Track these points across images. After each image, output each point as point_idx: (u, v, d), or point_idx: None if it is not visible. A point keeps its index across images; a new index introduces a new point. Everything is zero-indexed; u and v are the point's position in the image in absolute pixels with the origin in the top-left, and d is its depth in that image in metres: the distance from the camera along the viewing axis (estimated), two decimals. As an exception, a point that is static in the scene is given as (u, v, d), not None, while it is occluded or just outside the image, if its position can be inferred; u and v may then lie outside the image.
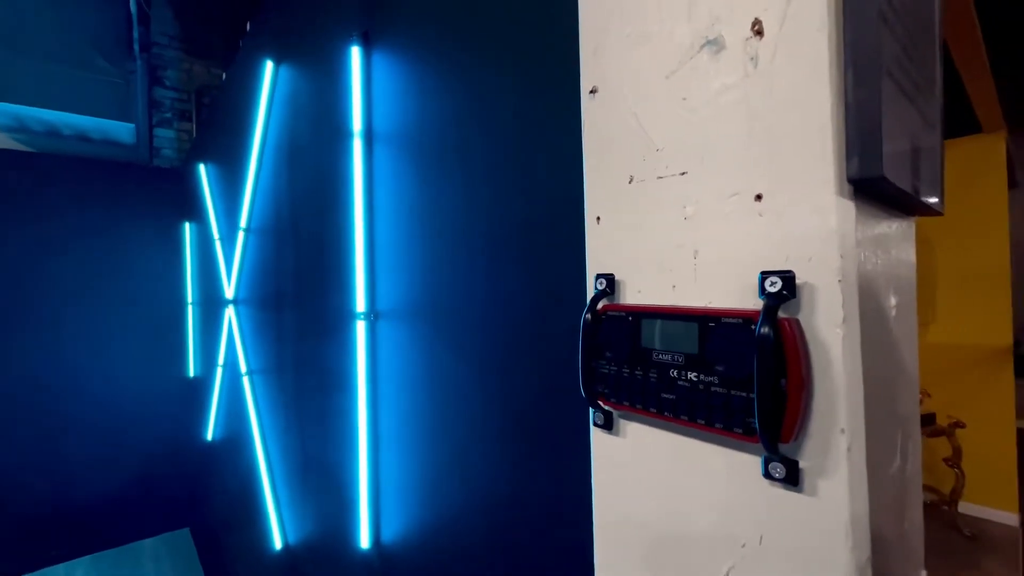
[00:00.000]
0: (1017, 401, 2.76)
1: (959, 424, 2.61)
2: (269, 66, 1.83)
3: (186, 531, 4.11)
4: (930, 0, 0.41)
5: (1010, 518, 2.69)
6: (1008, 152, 2.76)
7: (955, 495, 2.62)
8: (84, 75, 4.14)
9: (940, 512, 2.68)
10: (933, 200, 0.39)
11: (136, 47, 4.30)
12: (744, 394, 0.31)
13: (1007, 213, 2.76)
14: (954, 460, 2.59)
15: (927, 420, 2.62)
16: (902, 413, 0.37)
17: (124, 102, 4.30)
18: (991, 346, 2.81)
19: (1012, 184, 2.88)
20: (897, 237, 0.37)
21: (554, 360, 0.66)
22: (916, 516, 0.41)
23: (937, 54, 0.42)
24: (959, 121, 2.65)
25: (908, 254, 0.40)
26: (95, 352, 3.79)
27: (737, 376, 0.31)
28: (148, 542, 3.97)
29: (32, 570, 3.47)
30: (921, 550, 0.43)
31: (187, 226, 3.61)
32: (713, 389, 0.33)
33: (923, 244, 2.95)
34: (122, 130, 4.26)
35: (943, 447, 2.65)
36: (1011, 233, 2.76)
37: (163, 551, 3.90)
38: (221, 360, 2.71)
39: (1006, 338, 2.77)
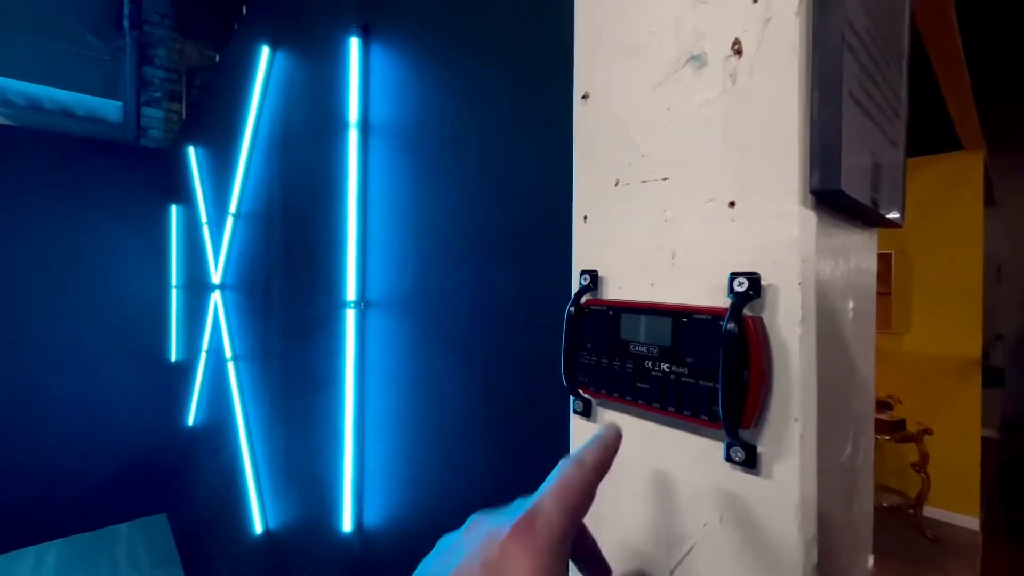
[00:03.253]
0: (983, 411, 2.87)
1: (927, 431, 2.70)
2: (265, 51, 1.82)
3: (163, 516, 4.07)
4: (899, 29, 0.44)
5: (972, 522, 2.80)
6: (986, 170, 2.85)
7: (920, 499, 2.72)
8: (70, 49, 4.04)
9: (906, 515, 2.78)
10: (893, 214, 0.42)
11: (126, 24, 4.20)
12: (710, 384, 0.34)
13: (982, 229, 2.85)
14: (921, 465, 2.68)
15: (897, 426, 2.71)
16: (855, 409, 0.40)
17: (111, 79, 4.20)
18: (961, 357, 2.91)
19: (988, 201, 2.98)
20: (857, 246, 0.40)
21: (538, 351, 0.69)
22: (866, 505, 0.45)
23: (904, 78, 0.46)
24: (940, 138, 2.73)
25: (868, 263, 0.43)
26: (73, 333, 3.72)
27: (705, 367, 0.34)
28: (123, 526, 3.92)
29: (1, 553, 3.41)
30: (870, 537, 0.46)
31: (173, 208, 3.56)
32: (683, 379, 0.35)
33: (902, 257, 3.04)
34: (108, 107, 4.17)
35: (912, 452, 2.75)
36: (985, 249, 2.85)
37: (138, 536, 3.86)
38: (205, 345, 2.69)
39: (975, 350, 2.88)
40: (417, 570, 0.23)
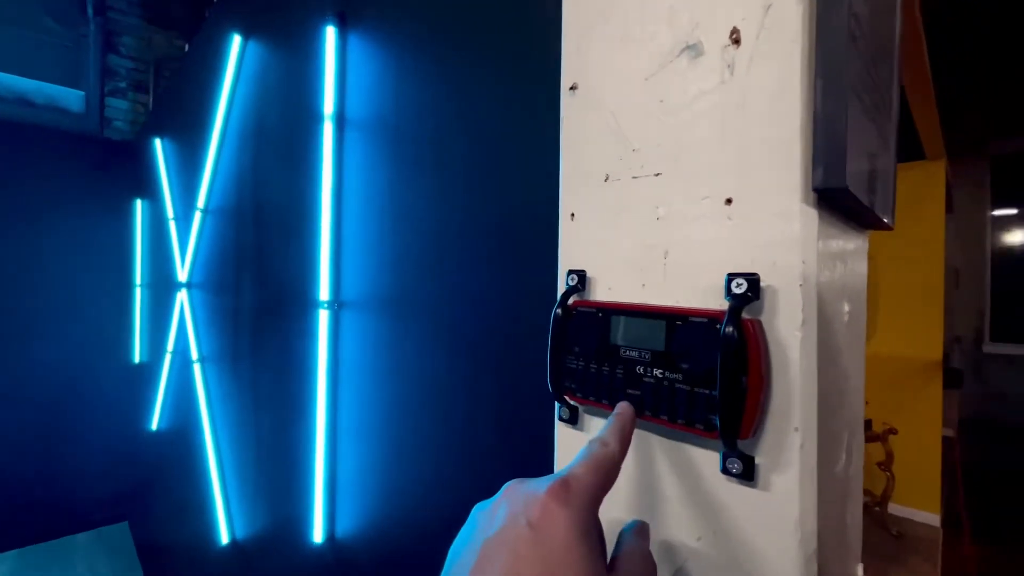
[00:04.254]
0: (943, 411, 2.98)
1: (892, 430, 2.78)
2: (236, 40, 1.75)
3: (124, 525, 3.89)
4: (891, 26, 0.44)
5: (933, 519, 2.90)
6: (946, 179, 2.96)
7: (885, 496, 2.79)
8: (29, 35, 3.83)
9: (871, 512, 2.86)
10: (886, 215, 0.41)
11: (90, 10, 4.01)
12: (706, 391, 0.32)
13: (943, 236, 2.96)
14: (886, 464, 2.76)
15: (865, 426, 2.78)
16: (849, 415, 0.39)
17: (74, 67, 4.00)
18: (924, 359, 3.01)
19: (948, 209, 3.09)
20: (852, 248, 0.39)
21: (522, 355, 0.67)
22: (856, 513, 0.44)
23: (895, 78, 0.45)
24: (904, 148, 2.83)
25: (861, 266, 0.42)
26: (31, 333, 3.52)
27: (701, 373, 0.32)
28: (82, 536, 3.73)
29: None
30: (859, 545, 0.45)
31: (138, 203, 3.41)
32: (677, 386, 0.33)
33: (869, 261, 3.13)
34: (70, 97, 3.97)
35: (877, 451, 2.83)
36: (945, 256, 2.96)
37: (98, 546, 3.68)
38: (170, 346, 2.58)
39: (937, 352, 2.98)
40: (457, 539, 0.25)
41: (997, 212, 4.32)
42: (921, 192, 2.95)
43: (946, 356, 3.04)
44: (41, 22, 3.85)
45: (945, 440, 3.01)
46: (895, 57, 0.46)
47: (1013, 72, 3.59)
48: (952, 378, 3.18)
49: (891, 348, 3.08)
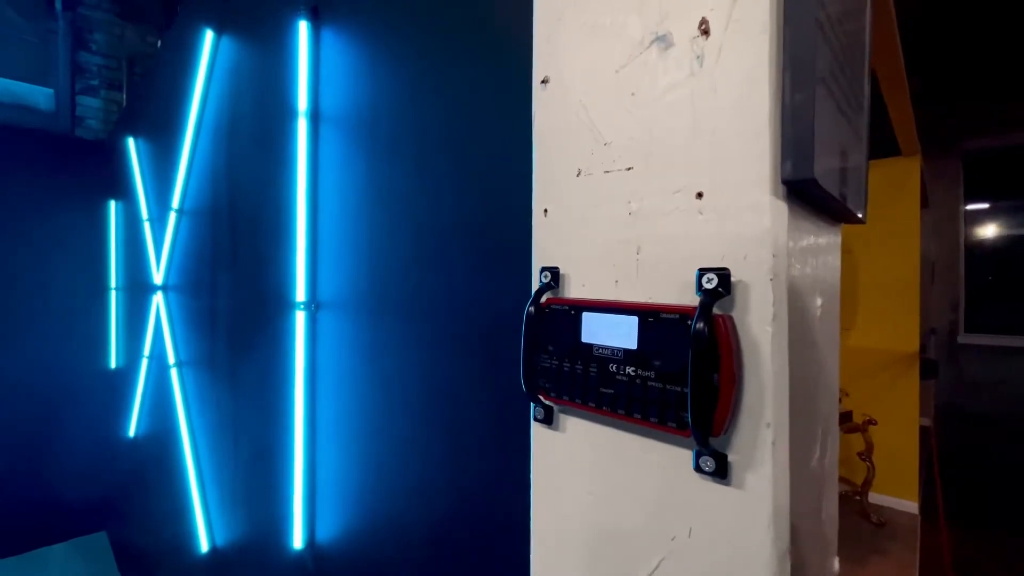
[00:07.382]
0: (920, 401, 3.04)
1: (872, 421, 2.84)
2: (209, 36, 1.71)
3: (102, 534, 3.79)
4: (860, 21, 0.44)
5: (911, 507, 2.97)
6: (921, 174, 3.02)
7: (866, 486, 2.85)
8: (-10, 30, 3.70)
9: (852, 502, 2.91)
10: (859, 209, 0.41)
11: (58, 5, 3.89)
12: (679, 388, 0.31)
13: (919, 231, 3.03)
14: (866, 454, 2.81)
15: (845, 417, 2.84)
16: (822, 410, 0.39)
17: (42, 64, 3.88)
18: (901, 351, 3.08)
19: (924, 204, 3.16)
20: (824, 242, 0.39)
21: (500, 355, 0.66)
22: (832, 508, 0.44)
23: (865, 73, 0.45)
24: (880, 144, 2.88)
25: (834, 260, 0.42)
26: (2, 340, 3.41)
27: (673, 370, 0.32)
28: (58, 547, 3.62)
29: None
30: (835, 539, 0.45)
31: (112, 205, 3.32)
32: (650, 383, 0.33)
33: (846, 255, 3.19)
34: (39, 95, 3.84)
35: (858, 442, 2.88)
36: (921, 249, 3.02)
37: (75, 557, 3.58)
38: (147, 351, 2.51)
39: (914, 344, 3.05)
40: None
41: (970, 207, 4.44)
42: (897, 187, 3.02)
43: (922, 347, 3.11)
44: (5, 17, 3.72)
45: (922, 429, 3.08)
46: (866, 55, 0.46)
47: (985, 73, 3.69)
48: (928, 369, 3.25)
49: (870, 341, 3.14)
